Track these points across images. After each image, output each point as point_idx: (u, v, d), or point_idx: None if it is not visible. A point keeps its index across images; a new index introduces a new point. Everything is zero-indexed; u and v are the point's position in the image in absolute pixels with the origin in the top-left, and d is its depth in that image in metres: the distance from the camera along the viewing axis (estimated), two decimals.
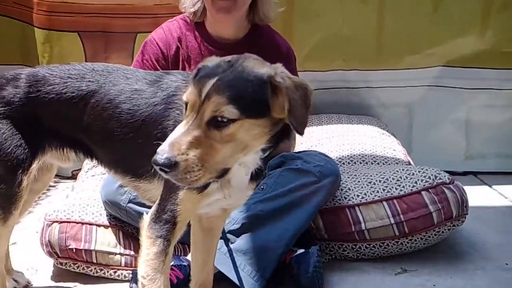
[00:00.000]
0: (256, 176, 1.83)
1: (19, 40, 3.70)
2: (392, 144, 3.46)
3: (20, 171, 1.95)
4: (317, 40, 3.83)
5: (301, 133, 1.59)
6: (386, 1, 3.83)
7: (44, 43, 3.61)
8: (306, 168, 2.50)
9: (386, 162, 3.17)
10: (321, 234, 2.63)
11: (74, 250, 2.42)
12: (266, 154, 1.70)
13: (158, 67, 2.62)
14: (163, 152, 1.47)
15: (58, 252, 2.43)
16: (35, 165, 1.99)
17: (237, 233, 2.39)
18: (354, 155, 3.26)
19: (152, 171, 1.85)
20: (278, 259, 2.37)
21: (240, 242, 2.38)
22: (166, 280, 1.81)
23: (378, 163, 3.15)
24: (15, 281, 2.37)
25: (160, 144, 1.51)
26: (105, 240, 2.47)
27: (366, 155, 3.25)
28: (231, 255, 2.34)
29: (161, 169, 1.48)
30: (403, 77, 3.97)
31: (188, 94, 1.55)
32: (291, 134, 1.70)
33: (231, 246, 2.36)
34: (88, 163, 3.18)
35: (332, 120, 3.79)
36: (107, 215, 2.54)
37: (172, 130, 1.66)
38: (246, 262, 2.33)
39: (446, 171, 2.73)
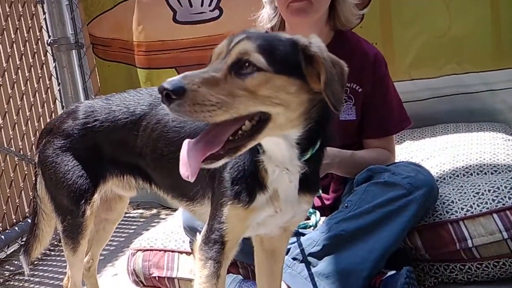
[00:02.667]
0: (307, 185, 1.66)
1: (126, 81, 3.91)
2: None
3: (83, 201, 1.99)
4: (422, 44, 3.49)
5: (338, 109, 1.43)
6: None
7: (146, 82, 3.78)
8: (393, 181, 2.23)
9: (510, 171, 2.73)
10: (421, 255, 2.31)
11: (157, 278, 2.41)
12: (306, 155, 1.54)
13: None
14: (172, 80, 1.31)
15: (143, 281, 2.44)
16: (97, 195, 2.01)
17: (318, 255, 2.19)
18: (470, 165, 2.86)
19: (201, 192, 1.79)
20: (365, 283, 2.11)
21: (322, 265, 2.17)
22: None
23: (499, 173, 2.73)
24: None
25: None
26: (187, 267, 2.42)
27: (484, 165, 2.83)
28: (312, 279, 2.14)
29: (166, 96, 1.29)
30: None
31: (215, 48, 1.45)
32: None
33: (313, 269, 2.16)
34: None
35: (449, 130, 3.40)
36: (189, 242, 2.48)
37: None
38: (329, 287, 2.11)
39: None
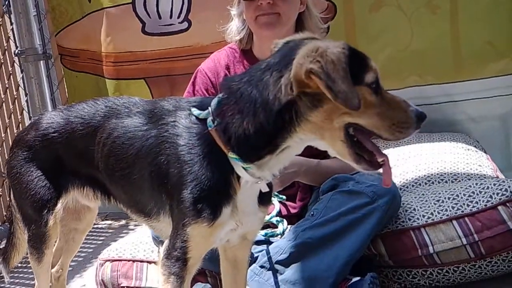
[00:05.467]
0: (265, 198, 1.73)
1: (94, 92, 3.90)
2: (478, 160, 3.10)
3: (46, 211, 2.00)
4: (386, 57, 3.58)
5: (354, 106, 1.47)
6: (459, 7, 3.51)
7: (115, 92, 3.79)
8: (358, 189, 2.30)
9: (469, 179, 2.83)
10: (385, 261, 2.38)
11: None
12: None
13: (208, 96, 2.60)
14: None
15: None
16: (60, 205, 2.03)
17: (285, 263, 2.24)
18: (431, 174, 2.95)
19: (156, 209, 1.79)
20: None
21: (289, 273, 2.22)
22: None
23: (459, 181, 2.83)
24: None
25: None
26: (156, 276, 2.42)
27: (445, 174, 2.93)
28: (278, 287, 2.18)
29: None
30: (490, 86, 3.58)
31: None
32: None
33: (280, 277, 2.21)
34: None
35: (411, 140, 3.49)
36: (158, 252, 2.50)
37: (165, 166, 1.65)
38: None
39: None
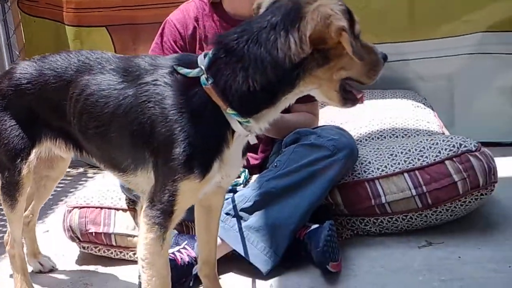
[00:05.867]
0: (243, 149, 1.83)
1: (53, 39, 3.85)
2: (426, 116, 3.31)
3: (19, 160, 2.02)
4: None
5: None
6: None
7: (75, 40, 3.75)
8: (319, 143, 2.44)
9: (418, 135, 3.03)
10: (340, 210, 2.56)
11: (94, 234, 2.49)
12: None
13: (177, 48, 2.63)
14: None
15: (79, 237, 2.50)
16: (33, 155, 2.04)
17: (250, 210, 2.37)
18: (383, 129, 3.14)
19: (133, 165, 1.82)
20: (291, 236, 2.33)
21: (253, 220, 2.36)
22: (165, 263, 1.81)
23: (409, 136, 3.02)
24: (41, 264, 2.47)
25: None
26: (124, 223, 2.52)
27: (396, 129, 3.12)
28: (241, 233, 2.32)
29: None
30: (441, 47, 3.78)
31: None
32: None
33: (244, 224, 2.35)
34: None
35: (365, 96, 3.66)
36: (126, 199, 2.59)
37: (150, 125, 1.69)
38: (259, 239, 2.31)
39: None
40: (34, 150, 2.06)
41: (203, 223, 2.03)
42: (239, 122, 1.68)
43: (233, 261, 2.31)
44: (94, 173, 3.82)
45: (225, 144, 1.71)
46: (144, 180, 1.83)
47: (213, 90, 1.66)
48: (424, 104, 3.54)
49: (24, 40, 4.01)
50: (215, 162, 1.70)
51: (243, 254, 2.29)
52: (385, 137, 3.06)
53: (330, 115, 3.36)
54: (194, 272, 2.22)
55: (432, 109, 3.50)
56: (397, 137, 3.04)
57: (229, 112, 1.67)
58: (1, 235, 2.95)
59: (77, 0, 3.70)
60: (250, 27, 1.67)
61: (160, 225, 1.72)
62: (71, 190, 3.56)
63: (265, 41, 1.63)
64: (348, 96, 1.72)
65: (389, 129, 3.13)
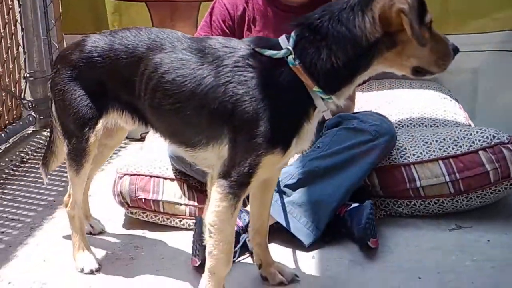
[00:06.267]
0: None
1: (90, 11, 3.92)
2: (453, 108, 3.45)
3: (87, 128, 2.14)
4: None
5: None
6: None
7: (114, 13, 3.82)
8: (362, 127, 2.58)
9: (446, 125, 3.17)
10: (376, 191, 2.70)
11: (143, 200, 2.62)
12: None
13: (225, 28, 2.74)
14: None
15: (129, 202, 2.63)
16: (100, 125, 2.15)
17: (293, 187, 2.51)
18: (413, 118, 3.27)
19: (205, 140, 1.92)
20: (332, 213, 2.48)
21: (296, 196, 2.50)
22: (233, 230, 1.95)
23: (437, 126, 3.16)
24: (92, 226, 2.61)
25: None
26: (171, 191, 2.66)
27: (425, 118, 3.26)
28: (284, 207, 2.46)
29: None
30: (468, 42, 3.88)
31: None
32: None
33: (288, 199, 2.49)
34: None
35: (393, 85, 3.80)
36: (173, 170, 2.72)
37: (233, 103, 1.80)
38: (302, 214, 2.45)
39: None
40: (101, 120, 2.16)
41: (259, 195, 2.15)
42: (322, 99, 1.82)
43: (275, 233, 2.43)
44: (126, 144, 3.92)
45: (307, 120, 1.85)
46: (213, 155, 1.94)
47: (301, 69, 1.79)
48: (450, 96, 3.68)
49: (60, 9, 4.08)
50: (295, 139, 1.84)
51: (286, 226, 2.43)
52: (414, 126, 3.19)
53: (362, 101, 3.49)
54: (241, 241, 2.37)
55: (457, 102, 3.64)
56: (425, 126, 3.18)
57: (315, 90, 1.80)
58: (44, 197, 3.11)
59: None
60: (330, 8, 1.81)
61: (234, 194, 1.85)
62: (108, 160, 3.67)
63: (345, 20, 1.76)
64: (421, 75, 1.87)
65: (418, 118, 3.27)
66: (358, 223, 2.37)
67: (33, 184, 3.30)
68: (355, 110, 2.98)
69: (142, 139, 3.80)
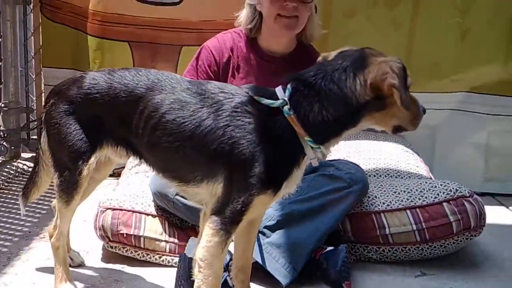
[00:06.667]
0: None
1: (72, 46, 4.02)
2: (415, 161, 3.68)
3: (81, 162, 2.21)
4: None
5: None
6: (417, 27, 4.08)
7: (96, 50, 3.93)
8: (338, 175, 2.74)
9: (409, 177, 3.39)
10: (348, 236, 2.85)
11: (124, 235, 2.67)
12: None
13: (210, 73, 2.88)
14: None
15: (110, 236, 2.68)
16: (93, 158, 2.23)
17: (272, 228, 2.63)
18: (379, 168, 3.49)
19: (200, 177, 2.04)
20: (309, 255, 2.60)
21: (275, 237, 2.61)
22: (222, 266, 2.05)
23: (402, 177, 3.37)
24: (71, 259, 2.63)
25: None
26: (153, 227, 2.73)
27: (390, 169, 3.48)
28: (260, 249, 2.56)
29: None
30: (429, 100, 4.12)
31: None
32: None
33: (267, 240, 2.60)
34: (131, 162, 3.47)
35: (360, 137, 4.02)
36: (154, 206, 2.80)
37: (231, 146, 1.93)
38: (280, 255, 2.56)
39: None
40: (95, 154, 2.24)
41: (244, 234, 2.25)
42: (311, 148, 1.97)
43: (253, 272, 2.49)
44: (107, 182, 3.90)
45: (297, 166, 2.00)
46: (206, 192, 2.06)
47: (295, 119, 1.94)
48: (412, 149, 3.92)
49: (41, 43, 4.14)
50: (285, 182, 1.98)
51: (264, 266, 2.54)
52: (380, 176, 3.40)
53: (333, 150, 3.67)
54: (222, 280, 2.44)
55: (418, 155, 3.88)
56: (391, 176, 3.39)
57: (306, 139, 1.96)
58: (19, 227, 3.10)
59: (104, 14, 3.89)
60: (325, 67, 1.99)
61: (226, 231, 1.97)
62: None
63: (337, 79, 1.94)
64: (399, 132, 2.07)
65: (384, 169, 3.48)
66: (334, 265, 2.50)
67: (6, 215, 3.28)
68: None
69: (115, 174, 3.85)
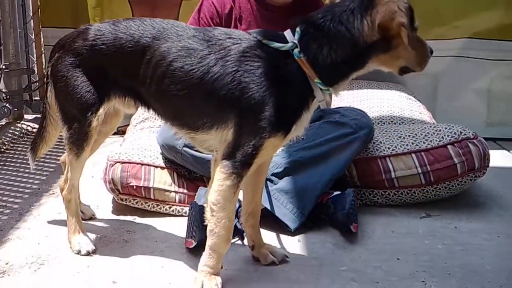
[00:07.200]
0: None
1: (70, 5, 3.99)
2: (418, 108, 3.71)
3: (90, 113, 2.23)
4: None
5: None
6: None
7: (96, 7, 3.91)
8: (343, 121, 2.77)
9: (413, 123, 3.41)
10: (354, 182, 2.90)
11: (134, 187, 2.71)
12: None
13: (212, 25, 2.87)
14: None
15: (120, 189, 2.72)
16: (102, 110, 2.25)
17: (279, 175, 2.67)
18: (383, 116, 3.52)
19: (210, 124, 2.05)
20: (316, 200, 2.65)
21: (282, 183, 2.66)
22: (234, 209, 2.09)
23: (406, 123, 3.40)
24: (82, 212, 2.66)
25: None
26: (162, 179, 2.77)
27: (394, 117, 3.50)
28: (269, 195, 2.60)
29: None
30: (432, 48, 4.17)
31: None
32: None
33: (274, 186, 2.64)
34: (135, 118, 3.49)
35: (362, 86, 4.04)
36: (163, 158, 2.83)
37: (241, 90, 1.94)
38: (288, 201, 2.61)
39: None
40: (103, 105, 2.25)
41: (253, 179, 2.26)
42: (321, 90, 1.98)
43: (262, 218, 2.52)
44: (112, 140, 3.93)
45: (306, 108, 2.02)
46: (215, 138, 2.08)
47: (305, 61, 1.95)
48: (414, 97, 3.94)
49: (39, 3, 4.10)
50: (295, 124, 2.00)
51: (272, 212, 2.59)
52: (384, 123, 3.43)
53: (336, 99, 3.68)
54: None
55: (421, 102, 3.90)
56: (395, 123, 3.42)
57: (316, 81, 1.97)
58: (29, 185, 3.15)
59: None
60: (333, 9, 1.99)
61: (238, 174, 2.00)
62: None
63: (345, 21, 1.95)
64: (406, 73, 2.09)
65: (388, 116, 3.51)
66: (342, 209, 2.55)
67: (14, 173, 3.32)
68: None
69: (119, 132, 3.87)
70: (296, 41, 1.98)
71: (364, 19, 1.93)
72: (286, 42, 2.00)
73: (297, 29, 2.01)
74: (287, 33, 2.02)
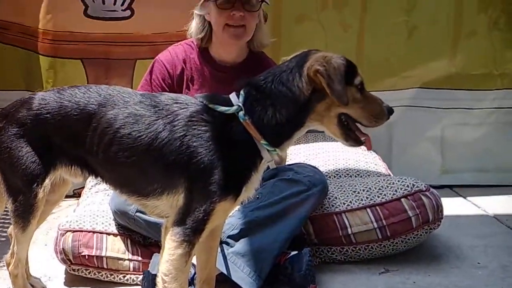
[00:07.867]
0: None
1: (23, 67, 3.93)
2: (374, 159, 3.75)
3: (35, 184, 2.17)
4: None
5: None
6: (365, 28, 4.16)
7: (49, 70, 3.86)
8: (297, 178, 2.77)
9: (369, 175, 3.45)
10: (311, 239, 2.88)
11: (86, 257, 2.63)
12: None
13: (165, 86, 2.89)
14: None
15: (72, 259, 2.64)
16: (48, 180, 2.19)
17: (235, 237, 2.63)
18: (339, 169, 3.54)
19: (160, 190, 2.04)
20: (274, 261, 2.61)
21: (239, 246, 2.61)
22: (186, 279, 2.04)
23: (361, 176, 3.43)
24: (32, 286, 2.56)
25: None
26: (115, 247, 2.70)
27: (350, 169, 3.53)
28: (225, 258, 2.56)
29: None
30: (383, 98, 4.14)
31: None
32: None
33: (231, 249, 2.60)
34: (90, 181, 3.43)
35: (318, 139, 4.07)
36: (115, 225, 2.76)
37: (189, 155, 1.93)
38: (245, 264, 2.56)
39: None
40: (49, 176, 2.20)
41: (206, 244, 2.23)
42: (267, 151, 2.00)
43: (218, 285, 2.50)
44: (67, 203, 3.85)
45: (255, 170, 2.03)
46: (166, 204, 2.06)
47: (250, 124, 1.97)
48: None
49: None
50: (245, 186, 2.00)
51: (230, 276, 2.54)
52: (340, 176, 3.46)
53: (292, 154, 3.72)
54: None
55: (377, 153, 3.95)
56: (351, 176, 3.44)
57: (262, 143, 1.98)
58: None
59: (54, 33, 3.82)
60: (274, 71, 2.04)
61: (189, 242, 1.97)
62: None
63: (285, 80, 1.99)
64: (351, 134, 2.07)
65: (344, 169, 3.54)
66: (299, 270, 2.52)
67: None
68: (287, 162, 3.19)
69: (75, 194, 3.80)
70: (240, 104, 2.00)
71: (301, 76, 1.97)
72: (232, 105, 2.02)
73: (241, 91, 2.03)
74: (232, 96, 2.05)
